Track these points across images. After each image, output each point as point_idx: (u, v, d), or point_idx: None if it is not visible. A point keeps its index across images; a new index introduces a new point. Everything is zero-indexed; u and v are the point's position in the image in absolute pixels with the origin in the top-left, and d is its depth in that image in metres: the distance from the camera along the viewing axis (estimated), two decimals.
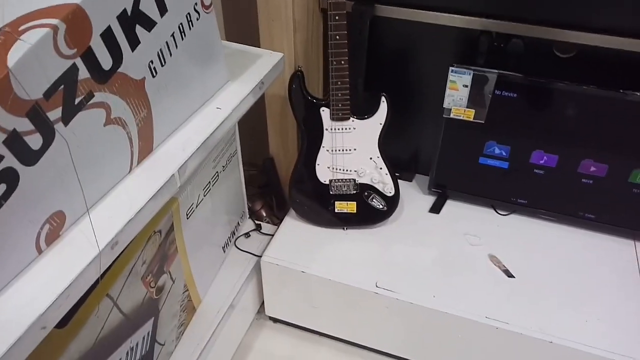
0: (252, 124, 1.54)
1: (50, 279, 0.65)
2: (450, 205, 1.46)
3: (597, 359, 1.10)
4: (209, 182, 1.19)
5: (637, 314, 1.17)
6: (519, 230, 1.38)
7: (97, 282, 0.83)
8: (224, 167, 1.26)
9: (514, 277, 1.26)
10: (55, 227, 0.68)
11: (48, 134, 0.62)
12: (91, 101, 0.68)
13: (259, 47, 1.28)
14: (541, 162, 1.31)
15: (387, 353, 1.36)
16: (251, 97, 1.03)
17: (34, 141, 0.61)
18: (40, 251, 0.67)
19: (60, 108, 0.63)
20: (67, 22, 0.60)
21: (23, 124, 0.59)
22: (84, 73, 0.65)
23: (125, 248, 0.90)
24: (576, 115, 1.22)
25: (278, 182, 1.56)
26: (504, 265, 1.28)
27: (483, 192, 1.42)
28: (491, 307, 1.18)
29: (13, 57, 0.55)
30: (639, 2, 1.11)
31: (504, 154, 1.33)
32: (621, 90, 1.16)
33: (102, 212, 0.74)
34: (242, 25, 1.42)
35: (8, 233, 0.61)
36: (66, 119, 0.64)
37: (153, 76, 0.79)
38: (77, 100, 0.65)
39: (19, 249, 0.64)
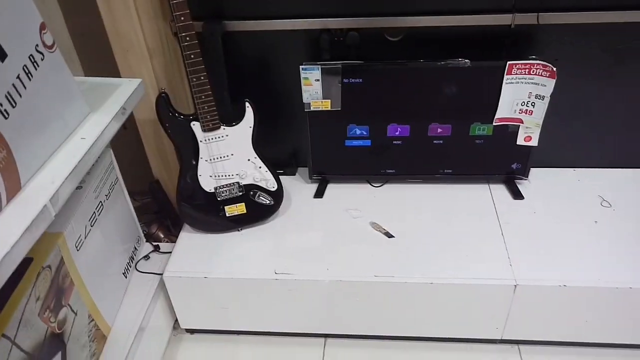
0: (131, 154, 1.59)
1: None
2: (331, 188, 1.60)
3: (470, 287, 1.28)
4: (94, 212, 1.23)
5: (498, 244, 1.37)
6: (393, 196, 1.55)
7: None
8: (107, 195, 1.30)
9: (393, 236, 1.42)
10: None
11: None
12: None
13: (120, 77, 1.34)
14: (397, 133, 1.49)
15: (301, 333, 1.47)
16: (114, 123, 1.09)
17: None
18: None
19: None
20: None
21: None
22: None
23: (14, 288, 0.94)
24: (415, 88, 1.41)
25: (168, 202, 1.62)
26: (384, 229, 1.44)
27: (356, 170, 1.58)
28: (378, 267, 1.32)
29: None
30: None
31: (364, 133, 1.50)
32: (444, 61, 1.36)
33: None
34: (99, 59, 1.47)
35: None
36: None
37: (5, 118, 0.84)
38: None
39: None
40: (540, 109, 1.40)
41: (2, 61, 0.82)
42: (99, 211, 1.26)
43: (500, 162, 1.52)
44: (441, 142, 1.49)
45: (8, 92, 0.84)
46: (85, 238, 1.18)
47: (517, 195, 1.52)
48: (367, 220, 1.47)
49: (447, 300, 1.32)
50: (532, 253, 1.33)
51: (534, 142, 1.46)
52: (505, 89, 1.38)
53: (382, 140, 1.50)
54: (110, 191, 1.32)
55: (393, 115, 1.46)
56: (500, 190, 1.55)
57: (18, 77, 0.87)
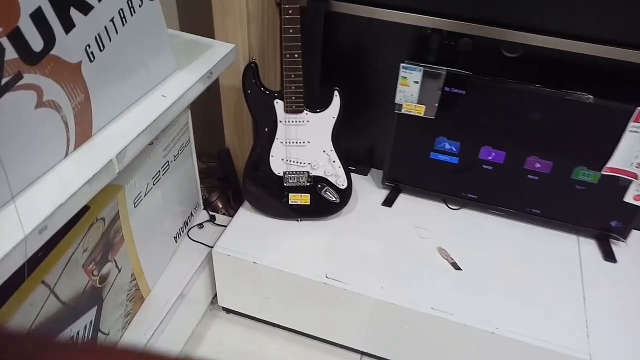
0: (209, 116, 1.54)
1: None
2: (403, 199, 1.48)
3: (537, 350, 1.13)
4: (159, 171, 1.19)
5: (577, 308, 1.21)
6: (468, 224, 1.41)
7: (31, 268, 0.83)
8: (175, 156, 1.25)
9: (461, 269, 1.29)
10: None
11: None
12: (20, 82, 0.67)
13: (214, 39, 1.28)
14: (489, 158, 1.35)
15: (337, 343, 1.38)
16: (198, 86, 1.03)
17: None
18: None
19: None
20: None
21: None
22: (11, 53, 0.65)
23: (64, 235, 0.90)
24: (522, 113, 1.26)
25: (234, 173, 1.57)
26: (452, 258, 1.31)
27: (434, 186, 1.45)
28: (437, 299, 1.21)
29: None
30: (583, 8, 1.15)
31: (454, 149, 1.36)
32: (563, 90, 1.20)
33: (31, 196, 0.73)
34: (197, 16, 1.42)
35: None
36: None
37: (91, 60, 0.79)
38: (3, 81, 0.65)
39: None
40: None
41: (99, 1, 0.77)
42: (164, 171, 1.21)
43: (600, 215, 1.35)
44: (537, 178, 1.34)
45: (98, 34, 0.79)
46: (144, 196, 1.14)
47: (609, 256, 1.34)
48: (435, 244, 1.35)
49: (506, 356, 1.18)
50: (615, 329, 1.17)
51: None
52: (627, 138, 1.20)
53: (472, 161, 1.36)
54: (180, 152, 1.28)
55: (490, 136, 1.32)
56: (590, 246, 1.37)
57: (112, 20, 0.81)
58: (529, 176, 1.34)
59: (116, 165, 0.83)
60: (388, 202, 1.48)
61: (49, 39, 0.70)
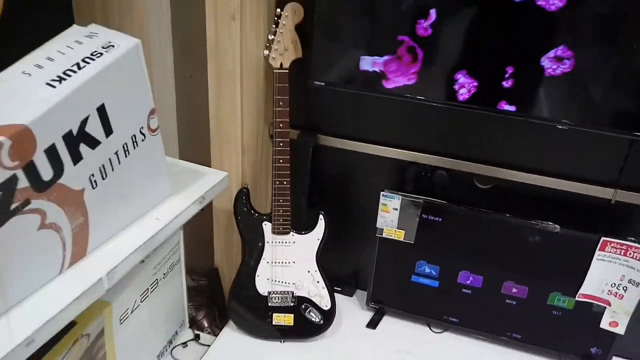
0: (201, 234, 1.62)
1: None
2: (387, 321, 1.50)
3: None
4: (147, 288, 1.24)
5: None
6: (451, 348, 1.42)
7: None
8: (164, 274, 1.31)
9: None
10: None
11: None
12: (27, 207, 0.76)
13: (211, 166, 1.41)
14: (468, 282, 1.40)
15: None
16: (191, 209, 1.12)
17: None
18: None
19: None
20: (12, 139, 0.70)
21: None
22: (23, 182, 0.74)
23: (49, 348, 0.93)
24: (495, 240, 1.34)
25: (222, 292, 1.60)
26: None
27: (417, 309, 1.48)
28: None
29: None
30: (547, 149, 1.28)
31: (433, 273, 1.42)
32: (531, 220, 1.29)
33: (24, 310, 0.78)
34: (196, 145, 1.56)
35: None
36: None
37: (93, 188, 0.89)
38: (12, 206, 0.73)
39: None
40: (633, 295, 1.26)
41: (107, 137, 0.89)
42: (153, 288, 1.26)
43: (578, 341, 1.36)
44: (514, 303, 1.37)
45: (102, 165, 0.90)
46: (131, 312, 1.18)
47: None
48: None
49: None
50: None
51: (620, 330, 1.31)
52: (595, 265, 1.27)
53: (451, 285, 1.41)
54: (169, 270, 1.33)
55: (467, 262, 1.38)
56: None
57: (116, 153, 0.92)
58: (507, 301, 1.38)
59: (106, 283, 0.89)
60: (372, 324, 1.50)
61: (58, 169, 0.80)
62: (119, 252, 0.94)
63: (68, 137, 0.80)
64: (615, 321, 1.31)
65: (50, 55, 0.82)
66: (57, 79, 0.78)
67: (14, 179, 0.73)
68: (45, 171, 0.78)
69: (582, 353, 1.37)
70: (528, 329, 1.39)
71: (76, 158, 0.83)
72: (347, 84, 1.28)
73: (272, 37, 1.28)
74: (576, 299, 1.32)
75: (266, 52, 1.29)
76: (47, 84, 0.77)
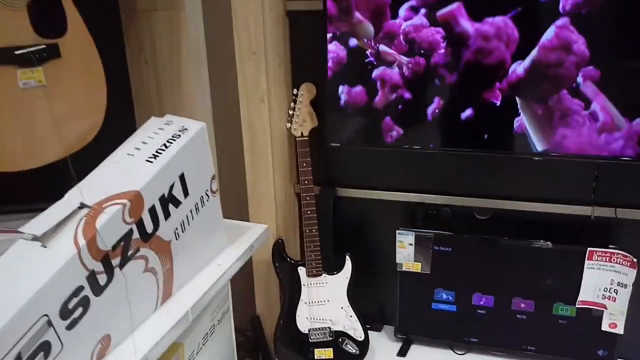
0: (239, 291, 1.81)
1: None
2: (415, 349, 1.68)
3: None
4: (207, 332, 1.42)
5: None
6: None
7: None
8: (219, 321, 1.50)
9: None
10: (103, 347, 0.92)
11: (110, 274, 0.91)
12: (137, 254, 0.98)
13: (249, 221, 1.64)
14: (481, 302, 1.60)
15: None
16: (244, 257, 1.34)
17: (102, 278, 0.89)
18: None
19: (119, 257, 0.93)
20: (131, 201, 0.94)
21: (98, 266, 0.88)
22: (135, 234, 0.97)
23: None
24: (500, 262, 1.55)
25: (264, 338, 1.78)
26: None
27: (440, 334, 1.67)
28: None
29: (99, 222, 0.88)
30: (532, 177, 1.53)
31: (450, 298, 1.62)
32: (526, 240, 1.51)
33: (141, 336, 0.99)
34: (234, 205, 1.80)
35: (75, 348, 0.86)
36: (122, 264, 0.94)
37: (176, 239, 1.11)
38: (129, 253, 0.96)
39: None
40: (624, 297, 1.46)
41: (185, 198, 1.12)
42: (211, 333, 1.45)
43: (585, 346, 1.55)
44: (524, 317, 1.57)
45: (182, 221, 1.13)
46: (196, 355, 1.36)
47: None
48: None
49: None
50: None
51: (619, 330, 1.50)
52: (587, 274, 1.48)
53: (467, 307, 1.61)
54: (222, 318, 1.52)
55: (478, 284, 1.59)
56: None
57: (191, 210, 1.16)
58: (518, 316, 1.57)
59: (190, 315, 1.09)
60: (402, 352, 1.67)
61: (156, 224, 1.03)
62: (197, 291, 1.15)
63: (162, 199, 1.04)
64: (613, 322, 1.50)
65: (143, 140, 1.07)
66: (152, 156, 1.03)
67: (130, 232, 0.95)
68: (149, 225, 1.01)
69: (591, 357, 1.55)
70: (540, 340, 1.58)
71: (167, 215, 1.06)
72: (356, 142, 1.54)
73: (292, 112, 1.55)
74: (576, 306, 1.51)
75: (288, 124, 1.56)
76: (147, 160, 1.02)
